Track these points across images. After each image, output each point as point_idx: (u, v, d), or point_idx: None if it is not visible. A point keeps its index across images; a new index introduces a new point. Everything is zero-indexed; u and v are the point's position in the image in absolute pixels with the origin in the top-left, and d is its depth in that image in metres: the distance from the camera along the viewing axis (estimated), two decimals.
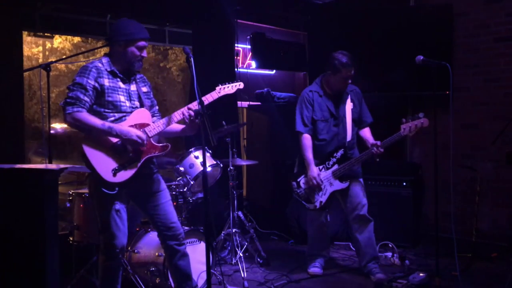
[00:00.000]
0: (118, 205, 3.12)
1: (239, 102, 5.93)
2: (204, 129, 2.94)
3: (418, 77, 5.30)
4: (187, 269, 3.38)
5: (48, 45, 7.05)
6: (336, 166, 4.21)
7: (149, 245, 3.89)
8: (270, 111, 6.04)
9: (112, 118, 3.13)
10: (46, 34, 5.64)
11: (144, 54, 3.20)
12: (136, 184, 3.16)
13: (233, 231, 4.71)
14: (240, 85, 3.38)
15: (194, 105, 3.15)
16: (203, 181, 2.97)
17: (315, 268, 4.42)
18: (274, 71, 6.88)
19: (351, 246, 5.02)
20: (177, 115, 3.19)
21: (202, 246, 3.91)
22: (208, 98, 3.24)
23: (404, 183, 5.26)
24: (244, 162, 5.11)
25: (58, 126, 7.49)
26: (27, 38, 5.91)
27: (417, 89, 5.50)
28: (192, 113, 3.13)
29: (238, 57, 6.19)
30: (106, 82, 3.11)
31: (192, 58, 2.96)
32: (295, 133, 4.35)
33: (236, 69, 6.00)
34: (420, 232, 5.50)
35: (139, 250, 3.89)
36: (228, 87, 3.33)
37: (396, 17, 5.73)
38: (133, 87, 3.25)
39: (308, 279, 4.33)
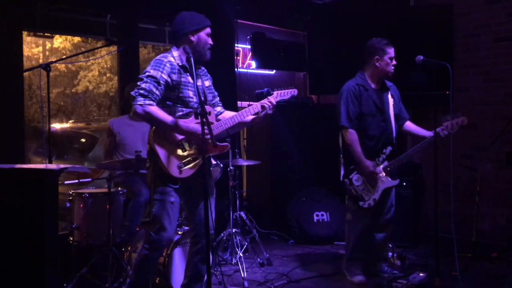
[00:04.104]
0: (173, 198, 3.19)
1: (239, 102, 5.92)
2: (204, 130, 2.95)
3: (418, 77, 5.30)
4: (202, 272, 3.38)
5: (48, 45, 7.06)
6: (386, 163, 4.08)
7: None
8: None
9: (180, 113, 3.18)
10: (46, 34, 5.65)
11: (211, 41, 3.28)
12: (193, 179, 3.21)
13: (233, 231, 4.71)
14: (295, 92, 3.46)
15: (275, 97, 3.31)
16: (203, 181, 2.98)
17: (358, 276, 4.16)
18: (274, 71, 6.88)
19: None
20: (251, 110, 3.28)
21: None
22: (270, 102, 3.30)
23: (404, 183, 5.25)
24: (245, 162, 5.10)
25: (58, 126, 7.49)
26: (27, 38, 5.92)
27: (417, 89, 5.50)
28: (274, 102, 3.27)
29: (238, 57, 6.19)
30: (178, 77, 3.15)
31: (192, 58, 2.97)
32: (338, 128, 4.11)
33: (236, 69, 6.00)
34: (420, 232, 5.50)
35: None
36: (285, 92, 3.41)
37: (396, 17, 5.73)
38: (199, 82, 3.28)
39: (308, 279, 4.32)
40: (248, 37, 6.25)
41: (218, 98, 3.48)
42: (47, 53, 7.15)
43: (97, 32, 5.39)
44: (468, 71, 5.67)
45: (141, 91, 3.03)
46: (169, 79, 3.11)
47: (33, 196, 2.72)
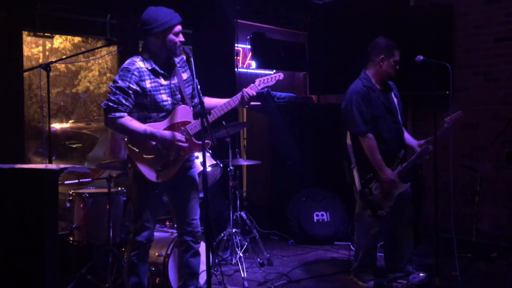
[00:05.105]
0: (153, 199, 3.21)
1: None
2: (204, 129, 2.95)
3: (418, 77, 5.29)
4: (196, 268, 3.40)
5: (48, 45, 7.05)
6: (399, 167, 3.97)
7: None
8: (270, 111, 6.04)
9: (156, 118, 3.17)
10: (46, 34, 5.64)
11: (182, 38, 3.17)
12: (179, 178, 3.23)
13: (233, 231, 4.71)
14: (280, 76, 3.38)
15: (257, 85, 3.27)
16: (203, 181, 2.98)
17: (371, 282, 4.09)
18: (274, 71, 6.87)
19: (351, 246, 5.02)
20: (231, 103, 3.23)
21: (202, 246, 3.90)
22: (248, 92, 3.25)
23: None
24: (246, 162, 5.10)
25: (58, 126, 7.48)
26: (27, 38, 5.91)
27: (417, 89, 5.50)
28: (254, 93, 3.23)
29: (238, 57, 6.19)
30: (148, 84, 3.09)
31: (192, 58, 2.96)
32: (356, 135, 3.92)
33: (236, 69, 6.00)
34: (420, 232, 5.50)
35: None
36: (268, 79, 3.35)
37: (396, 17, 5.73)
38: (174, 81, 3.23)
39: (308, 279, 4.33)
40: (248, 37, 6.25)
41: (199, 87, 3.37)
42: (47, 53, 7.13)
43: (97, 32, 5.38)
44: (468, 71, 5.66)
45: (110, 104, 3.01)
46: (138, 88, 3.06)
47: (33, 196, 2.72)
